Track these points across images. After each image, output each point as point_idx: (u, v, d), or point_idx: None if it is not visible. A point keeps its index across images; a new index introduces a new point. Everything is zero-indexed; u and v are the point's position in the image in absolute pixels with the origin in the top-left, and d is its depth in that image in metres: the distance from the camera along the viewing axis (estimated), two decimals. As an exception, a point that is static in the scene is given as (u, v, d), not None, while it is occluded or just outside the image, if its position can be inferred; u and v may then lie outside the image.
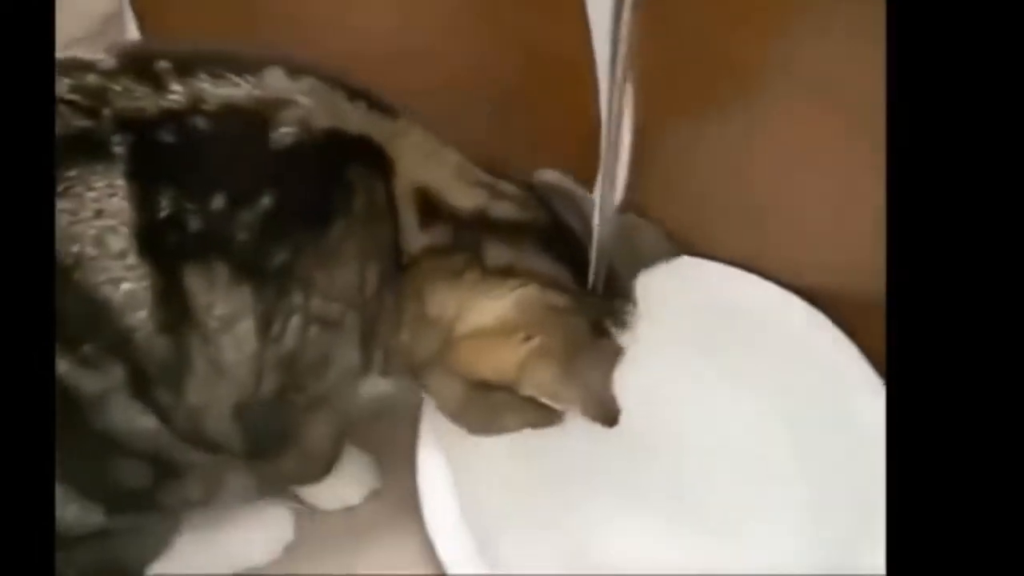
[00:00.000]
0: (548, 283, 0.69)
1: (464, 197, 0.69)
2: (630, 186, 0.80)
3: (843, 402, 0.83)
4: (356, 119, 0.64)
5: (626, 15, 0.60)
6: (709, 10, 0.73)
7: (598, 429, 0.86)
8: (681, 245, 0.88)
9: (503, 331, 0.68)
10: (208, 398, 0.64)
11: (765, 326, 0.87)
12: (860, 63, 0.69)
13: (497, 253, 0.68)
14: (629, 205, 0.81)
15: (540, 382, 0.67)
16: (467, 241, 0.68)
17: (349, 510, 0.86)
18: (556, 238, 0.70)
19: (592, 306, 0.70)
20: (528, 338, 0.67)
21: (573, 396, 0.68)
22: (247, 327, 0.62)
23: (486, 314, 0.68)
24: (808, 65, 0.73)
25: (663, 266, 0.76)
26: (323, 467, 0.80)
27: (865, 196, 0.77)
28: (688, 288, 0.88)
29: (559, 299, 0.69)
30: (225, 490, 0.73)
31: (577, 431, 0.87)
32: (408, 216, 0.66)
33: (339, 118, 0.63)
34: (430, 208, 0.67)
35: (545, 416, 0.71)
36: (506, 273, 0.68)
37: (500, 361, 0.68)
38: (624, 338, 0.72)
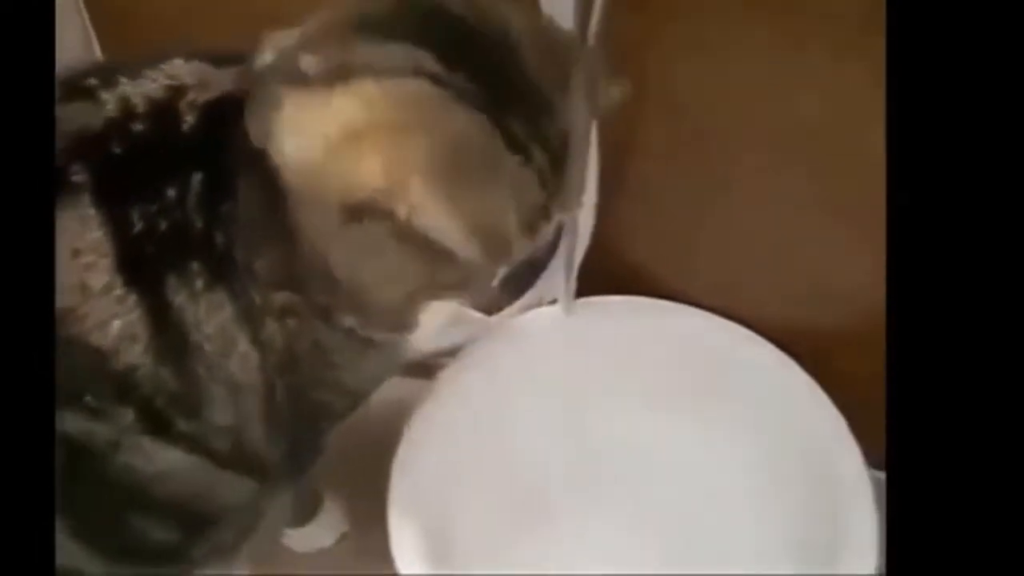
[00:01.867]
0: (396, 71, 0.56)
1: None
2: (596, 226, 0.83)
3: (809, 444, 0.83)
4: (223, 80, 0.62)
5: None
6: (672, 50, 0.74)
7: (574, 473, 0.91)
8: (647, 286, 0.90)
9: (355, 135, 0.56)
10: (237, 415, 0.64)
11: (735, 371, 0.88)
12: (829, 110, 0.71)
13: (311, 62, 0.58)
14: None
15: (416, 198, 0.55)
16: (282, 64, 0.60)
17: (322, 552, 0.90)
18: (418, 24, 0.58)
19: (493, 111, 0.57)
20: (396, 136, 0.56)
21: (450, 218, 0.56)
22: (244, 344, 0.61)
23: (330, 122, 0.56)
24: (771, 106, 0.75)
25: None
26: (312, 509, 0.85)
27: (834, 234, 0.79)
28: (653, 330, 0.89)
29: (419, 87, 0.56)
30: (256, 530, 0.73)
31: (552, 474, 0.90)
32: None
33: (214, 88, 0.62)
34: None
35: (439, 255, 0.59)
36: (334, 73, 0.57)
37: (360, 173, 0.56)
38: (546, 171, 0.59)
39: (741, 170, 0.80)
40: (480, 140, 0.57)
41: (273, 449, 0.67)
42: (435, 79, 0.56)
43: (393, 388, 0.92)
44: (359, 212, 0.57)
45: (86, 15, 0.99)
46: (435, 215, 0.55)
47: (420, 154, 0.55)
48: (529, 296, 0.91)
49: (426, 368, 0.87)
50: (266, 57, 0.60)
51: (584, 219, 0.82)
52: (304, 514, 0.86)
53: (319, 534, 0.89)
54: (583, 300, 0.87)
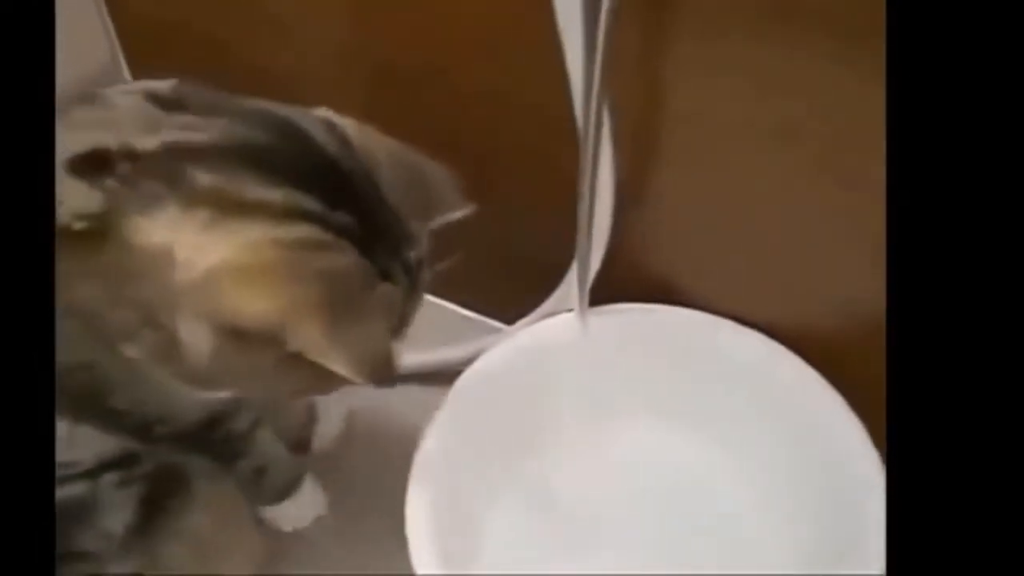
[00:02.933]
0: (282, 215, 0.58)
1: (146, 140, 0.59)
2: (614, 234, 0.83)
3: (832, 454, 0.83)
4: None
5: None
6: (684, 61, 0.74)
7: (592, 480, 0.91)
8: (666, 293, 0.90)
9: (241, 277, 0.56)
10: None
11: (752, 378, 0.88)
12: (832, 112, 0.71)
13: (200, 175, 0.57)
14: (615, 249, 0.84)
15: (308, 338, 0.57)
16: (160, 169, 0.58)
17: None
18: (300, 164, 0.60)
19: (365, 245, 0.60)
20: (285, 281, 0.57)
21: (341, 355, 0.58)
22: None
23: (215, 254, 0.56)
24: (781, 115, 0.74)
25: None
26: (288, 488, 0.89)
27: (847, 240, 0.79)
28: (670, 337, 0.89)
29: (306, 232, 0.58)
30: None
31: (572, 482, 0.90)
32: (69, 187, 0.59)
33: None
34: (100, 164, 0.59)
35: (321, 376, 0.60)
36: (220, 201, 0.57)
37: (251, 310, 0.56)
38: (407, 289, 0.64)
39: (755, 177, 0.80)
40: (358, 274, 0.60)
41: None
42: (319, 221, 0.58)
43: (410, 396, 0.93)
44: (242, 335, 0.57)
45: (111, 26, 1.00)
46: (322, 350, 0.57)
47: (305, 297, 0.56)
48: (547, 304, 0.91)
49: (443, 376, 0.88)
50: (147, 141, 0.59)
51: (599, 228, 0.82)
52: (278, 492, 0.88)
53: (296, 513, 0.92)
54: (599, 308, 0.87)
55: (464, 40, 0.81)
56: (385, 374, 0.59)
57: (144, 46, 1.01)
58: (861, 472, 0.79)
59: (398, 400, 0.90)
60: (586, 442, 0.92)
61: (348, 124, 0.64)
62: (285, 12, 0.88)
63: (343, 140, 0.63)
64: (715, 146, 0.79)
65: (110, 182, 0.58)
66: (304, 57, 0.91)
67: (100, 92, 0.63)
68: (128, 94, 0.62)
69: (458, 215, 0.68)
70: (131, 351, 0.61)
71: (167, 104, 0.62)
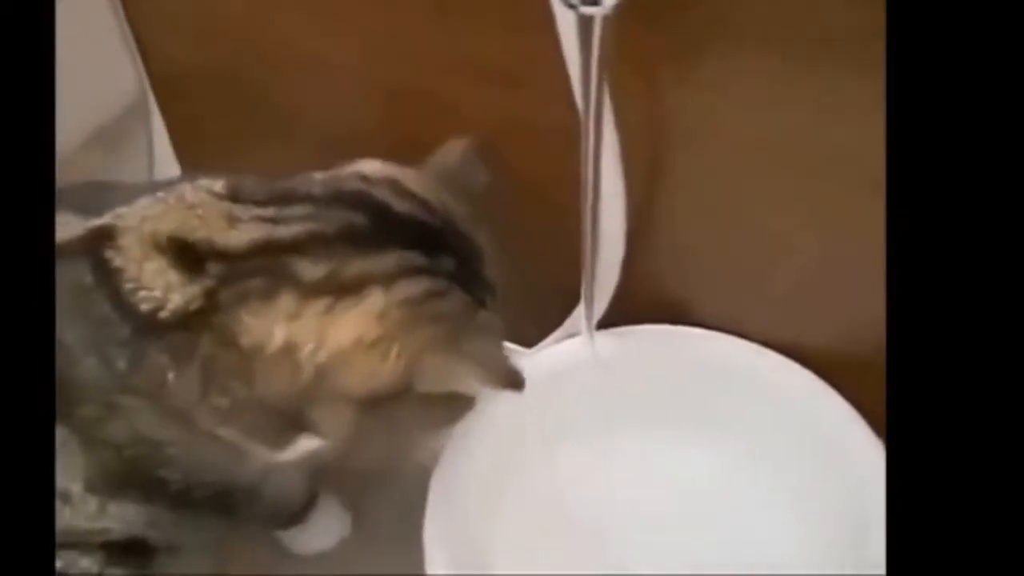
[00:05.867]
0: (395, 277, 0.62)
1: (233, 236, 0.62)
2: (629, 255, 0.84)
3: (846, 471, 0.83)
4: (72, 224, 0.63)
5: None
6: (693, 81, 0.75)
7: (611, 502, 0.91)
8: (680, 314, 0.91)
9: (371, 346, 0.60)
10: None
11: (765, 394, 0.88)
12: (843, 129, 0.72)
13: (308, 267, 0.60)
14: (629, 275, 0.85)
15: (433, 378, 0.62)
16: (259, 266, 0.61)
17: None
18: (390, 229, 0.63)
19: (463, 281, 0.65)
20: (403, 343, 0.61)
21: (472, 377, 0.64)
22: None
23: (343, 334, 0.60)
24: (791, 133, 0.75)
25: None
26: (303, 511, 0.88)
27: (860, 258, 0.79)
28: (684, 357, 0.90)
29: (417, 288, 0.62)
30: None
31: (590, 504, 0.91)
32: (150, 271, 0.61)
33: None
34: (190, 255, 0.61)
35: (453, 407, 0.68)
36: (334, 285, 0.60)
37: (384, 372, 0.61)
38: (494, 307, 0.68)
39: (769, 195, 0.81)
40: (465, 309, 0.65)
41: None
42: (428, 272, 0.63)
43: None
44: (377, 399, 0.62)
45: (141, 66, 1.03)
46: (452, 379, 0.63)
47: (426, 343, 0.61)
48: (566, 326, 0.92)
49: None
50: (230, 237, 0.61)
51: (612, 249, 0.83)
52: (289, 518, 0.88)
53: (316, 536, 0.92)
54: (610, 330, 0.88)
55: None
56: (515, 378, 0.64)
57: (174, 86, 1.04)
58: (874, 485, 0.78)
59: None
60: (599, 457, 0.93)
61: (400, 174, 0.68)
62: (316, 51, 0.91)
63: (410, 195, 0.66)
64: (728, 165, 0.80)
65: (207, 280, 0.60)
66: (331, 95, 0.94)
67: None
68: (194, 190, 0.64)
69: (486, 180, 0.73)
70: (225, 432, 0.64)
71: (232, 197, 0.64)
